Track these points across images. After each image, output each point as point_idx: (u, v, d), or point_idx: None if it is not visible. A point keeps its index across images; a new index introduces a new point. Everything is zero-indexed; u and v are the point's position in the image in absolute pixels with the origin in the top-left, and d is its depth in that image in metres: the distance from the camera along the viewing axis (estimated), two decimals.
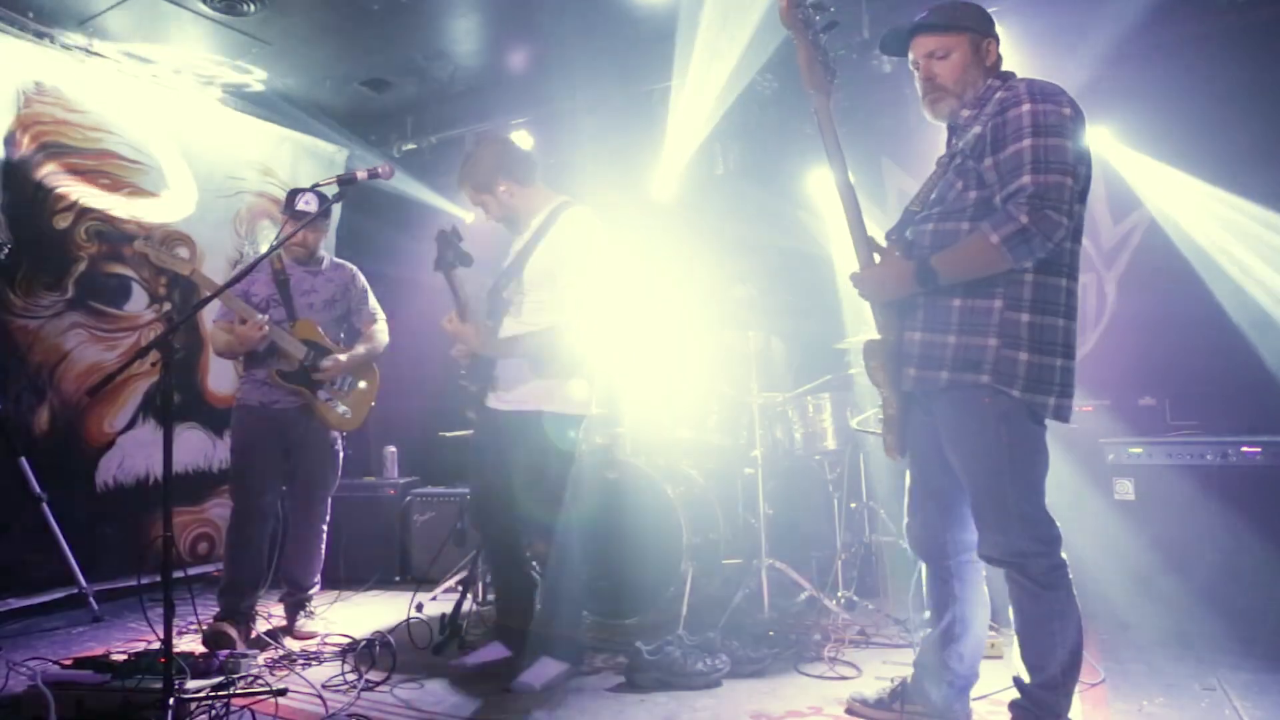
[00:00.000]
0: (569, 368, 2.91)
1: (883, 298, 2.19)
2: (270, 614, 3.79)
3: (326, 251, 3.82)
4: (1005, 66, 2.26)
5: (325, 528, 3.75)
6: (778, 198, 5.04)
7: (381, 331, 3.80)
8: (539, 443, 2.87)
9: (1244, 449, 3.26)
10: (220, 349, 3.64)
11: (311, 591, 3.72)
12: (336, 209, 4.14)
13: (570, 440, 2.94)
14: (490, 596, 3.88)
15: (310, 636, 3.55)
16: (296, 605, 3.66)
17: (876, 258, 2.23)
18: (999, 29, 2.26)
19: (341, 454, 3.74)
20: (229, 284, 2.96)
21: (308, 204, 3.47)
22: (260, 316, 3.38)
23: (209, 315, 4.20)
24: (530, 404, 2.89)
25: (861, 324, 4.19)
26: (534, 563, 3.08)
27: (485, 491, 3.05)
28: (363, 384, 3.71)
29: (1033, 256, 2.00)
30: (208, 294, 2.94)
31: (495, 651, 3.05)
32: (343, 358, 3.57)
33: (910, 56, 2.27)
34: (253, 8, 4.19)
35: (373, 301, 3.82)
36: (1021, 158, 1.99)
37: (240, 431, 3.57)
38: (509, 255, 3.00)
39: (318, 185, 3.25)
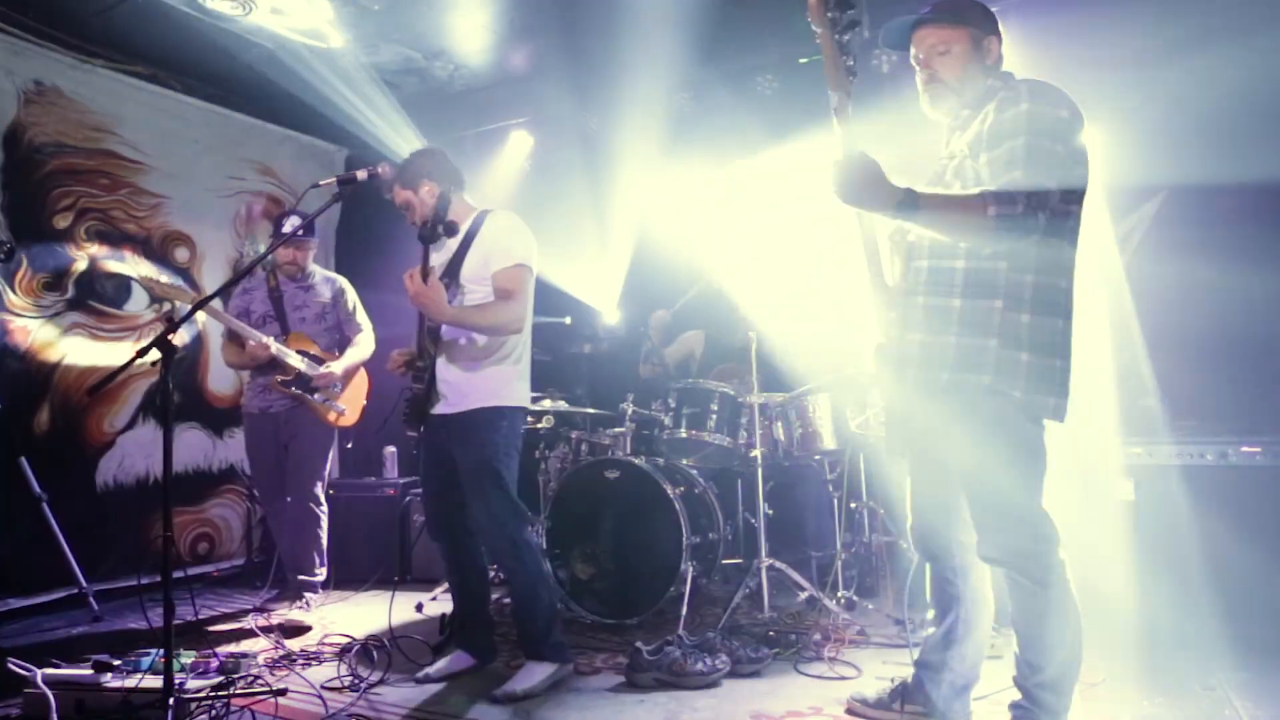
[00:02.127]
0: (512, 357, 2.95)
1: (847, 197, 2.02)
2: (270, 610, 3.82)
3: (316, 265, 4.13)
4: (1005, 66, 2.25)
5: (324, 517, 3.94)
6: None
7: (367, 341, 4.11)
8: (480, 440, 2.86)
9: (1244, 449, 3.26)
10: (230, 362, 4.00)
11: (314, 579, 3.83)
12: (336, 209, 4.17)
13: (508, 433, 2.91)
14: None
15: (299, 628, 3.58)
16: (297, 592, 3.73)
17: (885, 266, 2.21)
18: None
19: (335, 443, 4.04)
20: (227, 285, 3.16)
21: (291, 225, 3.80)
22: (264, 338, 3.73)
23: (213, 320, 4.48)
24: (468, 403, 2.88)
25: (862, 324, 4.18)
26: (494, 566, 3.02)
27: (434, 499, 3.04)
28: (353, 386, 4.06)
29: (1001, 245, 1.98)
30: (207, 294, 3.04)
31: (460, 661, 3.03)
32: (335, 368, 3.91)
33: (911, 50, 2.26)
34: (253, 9, 4.18)
35: (360, 313, 4.14)
36: (1014, 154, 1.99)
37: (247, 439, 4.01)
38: (440, 261, 3.00)
39: (317, 185, 3.28)
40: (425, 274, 2.74)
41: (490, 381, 2.90)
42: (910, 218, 2.00)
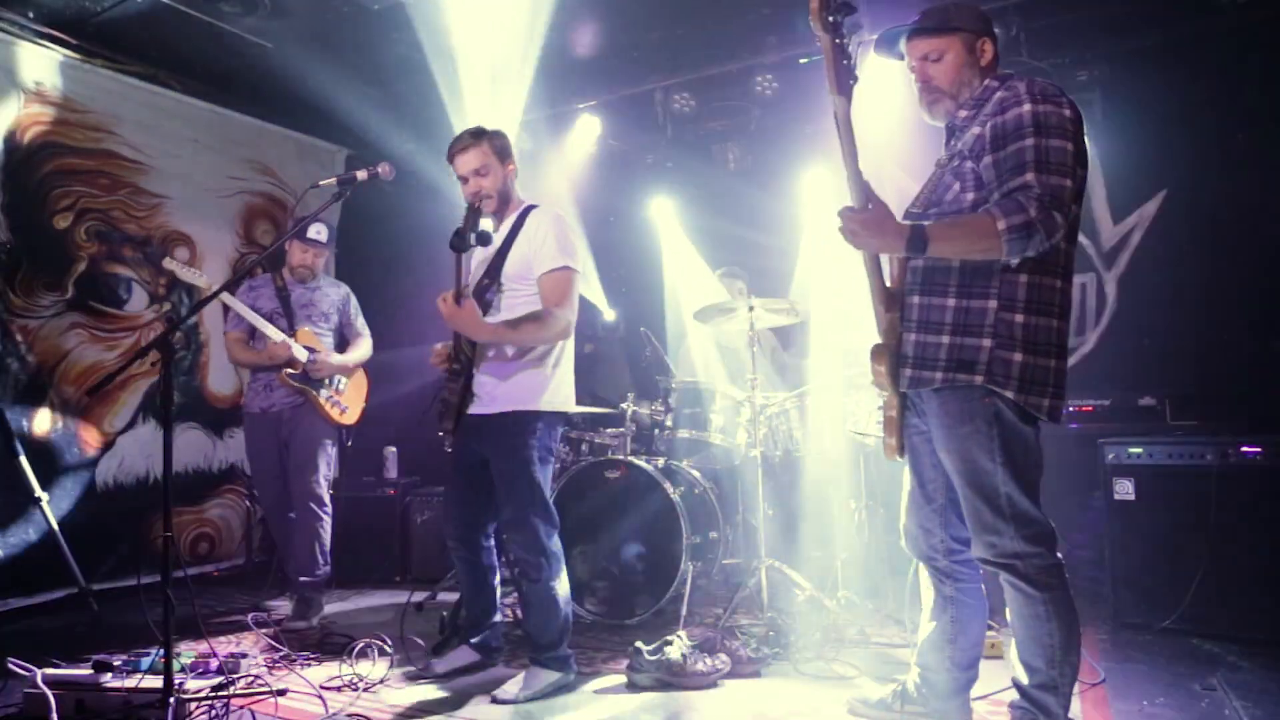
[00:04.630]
0: (551, 359, 2.87)
1: (858, 244, 2.07)
2: (270, 611, 3.82)
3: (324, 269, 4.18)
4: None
5: (327, 518, 3.90)
6: (777, 198, 5.04)
7: (366, 345, 4.15)
8: (513, 444, 2.81)
9: (1244, 449, 3.26)
10: (242, 360, 3.99)
11: (316, 579, 3.81)
12: (336, 209, 4.18)
13: (543, 438, 2.85)
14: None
15: (295, 631, 3.59)
16: (300, 593, 3.77)
17: (886, 276, 2.21)
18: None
19: (335, 447, 4.02)
20: (226, 285, 3.16)
21: (318, 233, 3.90)
22: (286, 337, 3.77)
23: (213, 319, 4.44)
24: (504, 405, 2.84)
25: (860, 324, 4.18)
26: (516, 570, 2.97)
27: (459, 501, 3.01)
28: (354, 386, 4.09)
29: (1026, 253, 1.98)
30: (207, 295, 3.03)
31: (464, 656, 3.02)
32: (334, 358, 3.94)
33: (905, 60, 2.27)
34: (251, 9, 4.19)
35: (361, 320, 4.19)
36: (1024, 156, 1.98)
37: (248, 439, 3.98)
38: (483, 258, 2.97)
39: (317, 185, 3.28)
40: (459, 292, 2.68)
41: (525, 384, 2.84)
42: (922, 253, 2.01)
